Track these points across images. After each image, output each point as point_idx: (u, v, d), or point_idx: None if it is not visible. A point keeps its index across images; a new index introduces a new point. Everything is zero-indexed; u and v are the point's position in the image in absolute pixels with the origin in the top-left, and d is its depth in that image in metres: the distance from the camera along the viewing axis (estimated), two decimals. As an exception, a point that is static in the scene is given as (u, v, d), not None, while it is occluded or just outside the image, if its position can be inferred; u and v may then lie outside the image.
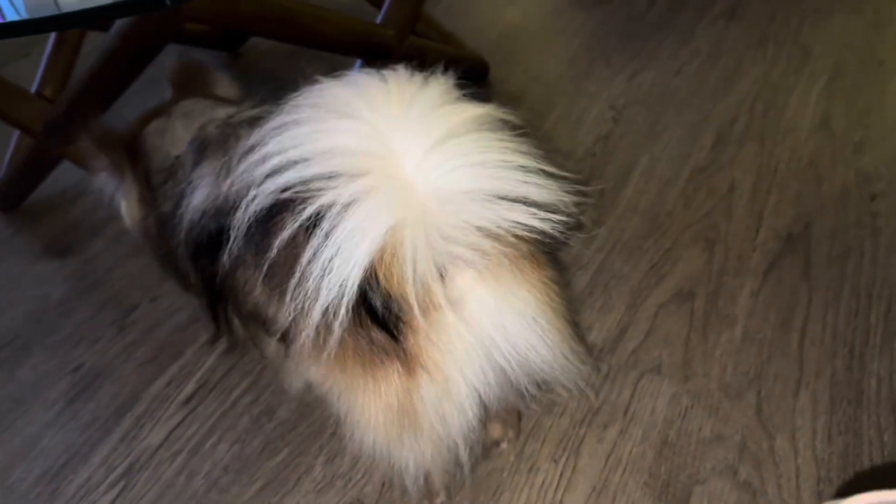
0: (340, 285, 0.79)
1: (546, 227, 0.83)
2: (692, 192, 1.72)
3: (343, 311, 0.80)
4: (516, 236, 0.86)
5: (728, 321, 1.42)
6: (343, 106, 0.84)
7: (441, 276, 0.84)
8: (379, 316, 0.85)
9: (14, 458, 1.38)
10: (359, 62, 1.65)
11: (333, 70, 0.90)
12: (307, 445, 1.31)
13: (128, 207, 1.26)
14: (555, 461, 1.22)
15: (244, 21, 1.30)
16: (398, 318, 0.85)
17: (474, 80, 2.14)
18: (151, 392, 1.45)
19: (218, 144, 1.06)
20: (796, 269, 1.51)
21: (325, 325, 0.82)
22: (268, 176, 0.83)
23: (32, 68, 2.07)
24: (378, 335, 0.87)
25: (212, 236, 1.00)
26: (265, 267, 0.89)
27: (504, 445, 1.25)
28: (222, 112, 1.18)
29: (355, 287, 0.79)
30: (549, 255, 0.95)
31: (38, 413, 1.45)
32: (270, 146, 0.83)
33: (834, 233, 1.58)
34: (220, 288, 1.05)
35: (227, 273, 1.00)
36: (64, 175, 1.88)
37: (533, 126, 1.99)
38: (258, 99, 1.11)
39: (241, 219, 0.85)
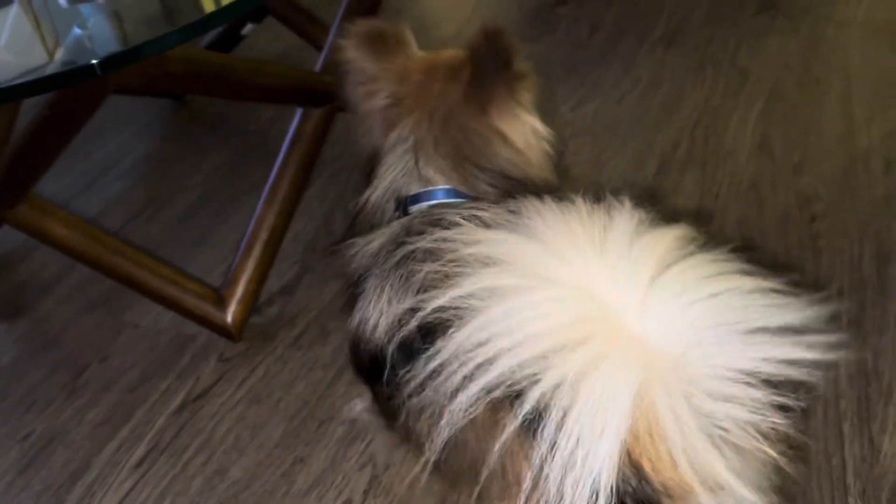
0: (593, 481, 0.62)
1: (816, 356, 0.66)
2: (637, 221, 1.74)
3: None
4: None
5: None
6: (529, 264, 0.71)
7: (719, 447, 0.64)
8: None
9: (-35, 533, 1.36)
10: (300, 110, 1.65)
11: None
12: (261, 505, 1.31)
13: None
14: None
15: (176, 81, 1.30)
16: None
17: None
18: (103, 457, 1.43)
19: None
20: (740, 295, 1.53)
21: None
22: (468, 378, 0.67)
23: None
24: None
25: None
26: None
27: None
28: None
29: (612, 480, 0.62)
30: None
31: (-12, 485, 1.43)
32: (461, 340, 0.68)
33: (776, 255, 1.60)
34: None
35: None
36: (7, 237, 1.86)
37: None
38: None
39: (444, 426, 0.70)
